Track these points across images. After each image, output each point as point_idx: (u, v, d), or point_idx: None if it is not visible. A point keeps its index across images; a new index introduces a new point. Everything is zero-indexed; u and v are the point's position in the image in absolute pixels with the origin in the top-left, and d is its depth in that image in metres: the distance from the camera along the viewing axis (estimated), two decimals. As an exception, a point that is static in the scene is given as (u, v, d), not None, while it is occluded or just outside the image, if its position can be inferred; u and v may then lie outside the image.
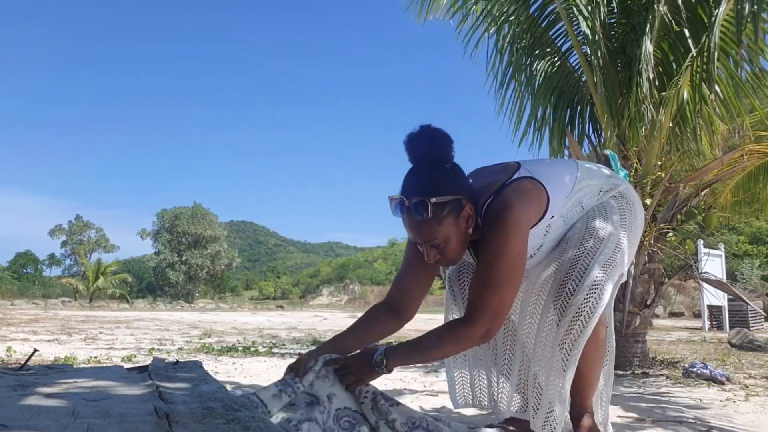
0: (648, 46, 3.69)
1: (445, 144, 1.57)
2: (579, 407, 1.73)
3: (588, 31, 4.01)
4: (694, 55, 3.67)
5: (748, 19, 3.11)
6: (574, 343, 1.57)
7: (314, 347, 2.13)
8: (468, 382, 2.02)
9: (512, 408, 1.93)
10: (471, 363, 2.01)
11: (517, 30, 4.53)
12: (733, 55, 3.82)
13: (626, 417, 2.31)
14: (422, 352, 1.58)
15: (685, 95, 3.78)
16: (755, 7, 3.05)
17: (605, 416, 1.87)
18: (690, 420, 2.28)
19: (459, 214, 1.54)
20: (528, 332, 1.85)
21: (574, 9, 4.18)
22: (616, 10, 4.38)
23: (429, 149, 1.55)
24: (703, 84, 3.62)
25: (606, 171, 1.91)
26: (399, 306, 1.72)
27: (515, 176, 1.64)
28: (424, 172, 1.54)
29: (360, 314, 1.83)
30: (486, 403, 2.01)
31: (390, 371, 1.55)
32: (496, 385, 1.98)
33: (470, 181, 1.65)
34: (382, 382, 3.12)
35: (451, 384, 2.04)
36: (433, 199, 1.49)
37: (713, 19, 3.42)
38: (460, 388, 2.03)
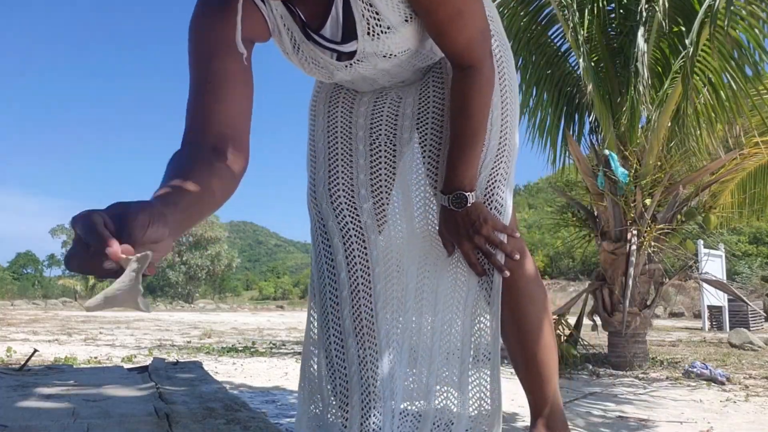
0: (642, 45, 3.69)
1: None
2: (534, 408, 1.22)
3: (580, 33, 4.01)
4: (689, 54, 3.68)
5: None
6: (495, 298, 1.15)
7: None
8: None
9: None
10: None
11: (515, 30, 4.53)
12: (725, 54, 3.80)
13: (626, 417, 2.31)
14: (474, 139, 1.14)
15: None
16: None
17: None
18: (690, 420, 2.28)
19: None
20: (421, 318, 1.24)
21: (568, 11, 4.17)
22: (614, 10, 4.38)
23: None
24: (702, 84, 3.62)
25: None
26: (225, 144, 0.93)
27: None
28: None
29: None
30: None
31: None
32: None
33: None
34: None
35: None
36: None
37: (700, 13, 3.42)
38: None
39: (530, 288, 1.20)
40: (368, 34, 1.03)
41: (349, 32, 1.04)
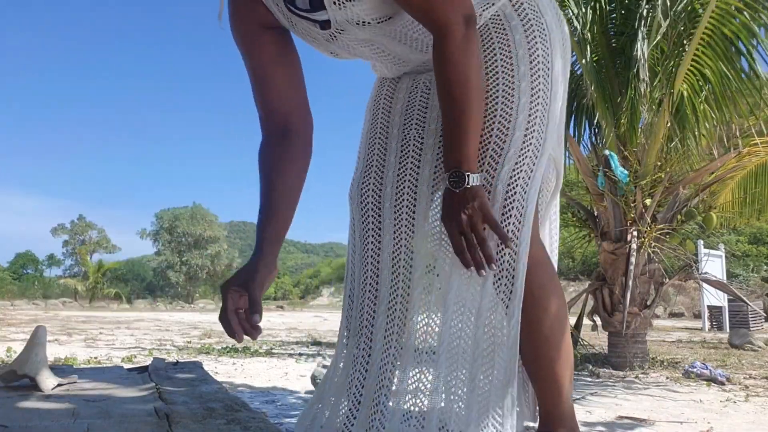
0: (643, 46, 3.70)
1: None
2: (546, 419, 1.17)
3: (580, 32, 4.02)
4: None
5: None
6: (511, 295, 1.08)
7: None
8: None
9: None
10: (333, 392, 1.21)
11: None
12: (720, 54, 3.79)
13: (626, 417, 2.31)
14: (458, 112, 1.03)
15: (685, 94, 3.80)
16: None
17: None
18: (690, 420, 2.28)
19: None
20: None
21: (569, 10, 4.18)
22: (615, 11, 4.38)
23: None
24: (698, 82, 3.64)
25: None
26: (293, 123, 1.14)
27: None
28: None
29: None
30: None
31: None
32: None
33: None
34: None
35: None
36: None
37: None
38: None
39: (544, 297, 1.14)
40: (335, 3, 1.03)
41: (318, 1, 1.04)
